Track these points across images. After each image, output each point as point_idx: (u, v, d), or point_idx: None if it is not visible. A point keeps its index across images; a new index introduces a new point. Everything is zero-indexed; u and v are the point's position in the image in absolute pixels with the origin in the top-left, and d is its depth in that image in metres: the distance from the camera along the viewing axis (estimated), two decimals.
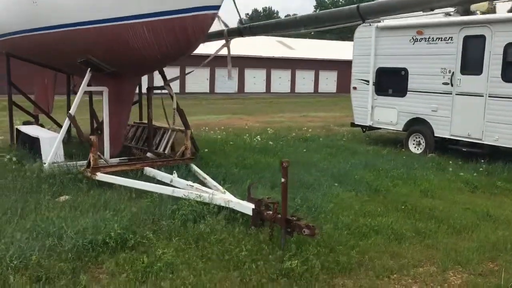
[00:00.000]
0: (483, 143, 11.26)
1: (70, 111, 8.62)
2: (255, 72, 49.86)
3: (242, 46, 49.12)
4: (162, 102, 9.70)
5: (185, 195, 6.86)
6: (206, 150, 10.90)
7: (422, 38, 12.43)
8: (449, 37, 11.78)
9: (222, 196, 6.64)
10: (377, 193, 8.34)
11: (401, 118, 13.11)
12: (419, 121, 12.66)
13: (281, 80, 51.45)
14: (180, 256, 5.17)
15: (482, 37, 11.09)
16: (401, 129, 13.25)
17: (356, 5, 6.77)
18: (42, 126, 11.46)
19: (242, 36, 8.95)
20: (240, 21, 8.95)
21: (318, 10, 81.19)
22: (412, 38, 12.63)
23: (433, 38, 12.17)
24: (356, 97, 14.37)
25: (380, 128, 14.13)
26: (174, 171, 7.99)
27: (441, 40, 12.00)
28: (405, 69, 12.89)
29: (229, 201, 6.47)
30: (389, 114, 13.40)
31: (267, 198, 6.08)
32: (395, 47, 13.14)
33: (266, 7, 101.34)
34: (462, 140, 11.71)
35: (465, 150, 11.60)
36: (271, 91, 49.82)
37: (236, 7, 8.87)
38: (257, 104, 32.81)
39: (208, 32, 9.34)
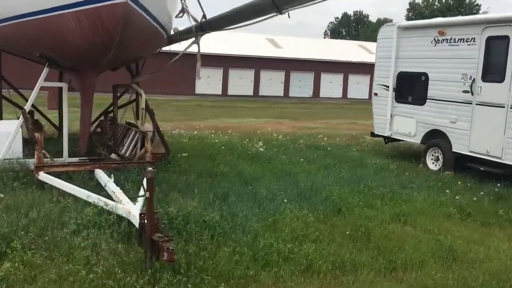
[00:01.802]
0: (503, 163, 9.59)
1: (25, 107, 8.43)
2: (331, 77, 48.64)
3: (317, 50, 48.34)
4: (131, 101, 9.27)
5: (95, 202, 6.33)
6: (185, 154, 10.30)
7: (443, 39, 10.93)
8: (471, 38, 10.22)
9: (125, 207, 6.01)
10: (336, 214, 7.27)
11: (420, 129, 11.64)
12: (438, 134, 11.14)
13: (358, 86, 49.62)
14: (14, 273, 4.62)
15: (506, 38, 9.46)
16: (419, 142, 11.77)
17: None
18: (36, 122, 11.52)
19: (206, 32, 8.25)
20: (204, 16, 8.26)
21: (410, 13, 77.56)
22: (434, 39, 11.15)
23: (455, 39, 10.64)
24: (377, 104, 13.05)
25: (399, 140, 12.66)
26: (112, 175, 7.50)
27: (463, 42, 10.45)
28: (425, 74, 11.43)
29: (129, 213, 5.83)
30: (407, 124, 11.97)
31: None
32: (416, 49, 11.71)
33: (357, 11, 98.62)
34: (481, 158, 10.08)
35: (482, 169, 9.97)
36: (348, 96, 48.14)
37: (198, 1, 8.24)
38: (322, 110, 31.65)
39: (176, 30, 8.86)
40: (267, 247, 5.65)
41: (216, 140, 12.93)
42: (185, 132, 14.55)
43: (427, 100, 11.39)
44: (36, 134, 7.77)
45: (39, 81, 8.34)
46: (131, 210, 5.87)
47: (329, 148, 12.94)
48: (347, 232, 6.46)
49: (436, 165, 11.19)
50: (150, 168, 4.80)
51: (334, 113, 28.41)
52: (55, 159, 8.44)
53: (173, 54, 9.56)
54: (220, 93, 44.41)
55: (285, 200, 7.45)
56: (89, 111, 8.76)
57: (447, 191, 8.78)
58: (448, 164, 10.80)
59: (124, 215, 5.87)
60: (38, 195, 7.02)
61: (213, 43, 43.99)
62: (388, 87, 12.46)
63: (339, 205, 7.60)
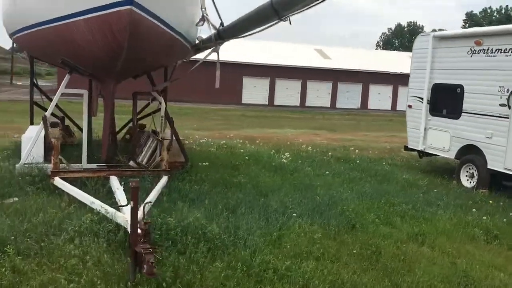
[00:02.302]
0: None
1: (46, 113, 8.58)
2: (380, 88, 47.62)
3: (366, 61, 47.48)
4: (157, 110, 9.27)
5: (97, 209, 6.31)
6: (206, 163, 10.20)
7: (480, 50, 10.34)
8: (510, 49, 9.60)
9: (124, 215, 5.93)
10: (348, 231, 6.91)
11: (454, 144, 11.03)
12: (473, 149, 10.51)
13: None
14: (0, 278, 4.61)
15: None
16: (453, 157, 11.15)
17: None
18: (67, 128, 11.78)
19: (224, 40, 8.13)
20: (221, 24, 8.15)
21: (467, 24, 75.00)
22: (470, 49, 10.57)
23: (492, 49, 10.04)
24: (411, 116, 12.51)
25: (433, 155, 12.03)
26: (123, 183, 7.47)
27: (500, 52, 9.84)
28: (461, 86, 10.84)
29: (127, 221, 5.74)
30: (441, 138, 11.38)
31: (144, 222, 5.21)
32: (452, 60, 11.15)
33: (410, 22, 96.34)
34: None
35: None
36: (397, 108, 46.81)
37: (216, 9, 8.14)
38: (368, 122, 30.95)
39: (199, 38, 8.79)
40: (264, 263, 5.41)
41: (242, 150, 12.77)
42: (214, 141, 14.46)
43: (462, 114, 10.79)
44: (53, 140, 7.87)
45: (60, 87, 8.48)
46: (129, 218, 5.78)
47: (358, 161, 12.48)
48: (355, 251, 6.11)
49: (470, 182, 10.56)
50: (135, 180, 4.69)
51: (378, 126, 27.66)
52: (74, 164, 8.53)
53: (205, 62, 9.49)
54: (267, 103, 44.26)
55: (294, 214, 7.16)
56: (109, 118, 8.81)
57: (474, 210, 8.21)
58: (482, 182, 10.16)
59: (122, 224, 5.80)
60: (48, 200, 7.08)
61: (260, 52, 44.36)
62: (422, 99, 11.91)
63: (354, 221, 7.25)
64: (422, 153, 12.31)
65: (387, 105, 47.64)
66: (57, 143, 7.82)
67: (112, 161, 9.08)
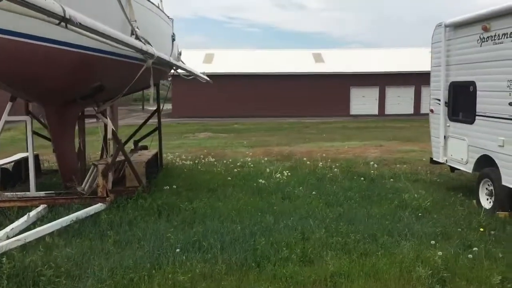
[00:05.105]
0: None
1: None
2: None
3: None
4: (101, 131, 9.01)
5: None
6: (174, 186, 9.57)
7: (488, 37, 8.31)
8: None
9: None
10: (247, 269, 5.81)
11: (471, 154, 8.97)
12: (489, 161, 8.42)
13: None
14: None
15: None
16: (470, 171, 9.07)
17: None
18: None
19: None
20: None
21: None
22: (479, 37, 8.56)
23: (498, 35, 8.00)
24: (433, 123, 10.55)
25: (456, 169, 9.88)
26: (28, 213, 7.24)
27: (506, 37, 7.78)
28: (473, 84, 8.81)
29: None
30: (459, 147, 9.36)
31: None
32: (464, 53, 9.16)
33: None
34: None
35: None
36: None
37: None
38: None
39: None
40: None
41: (237, 170, 11.91)
42: (230, 159, 13.78)
43: (476, 117, 8.75)
44: None
45: (3, 116, 8.59)
46: None
47: (372, 178, 10.85)
48: None
49: (490, 202, 8.47)
50: None
51: None
52: (21, 193, 8.56)
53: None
54: (377, 113, 41.91)
55: (177, 249, 6.22)
56: (66, 145, 8.72)
57: (433, 242, 6.43)
58: (500, 201, 8.07)
59: None
60: None
61: (368, 60, 42.41)
62: (440, 100, 9.98)
63: (261, 257, 6.09)
64: (450, 166, 10.26)
65: None
66: None
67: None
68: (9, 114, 8.51)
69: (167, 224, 7.38)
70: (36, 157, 11.15)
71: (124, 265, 5.76)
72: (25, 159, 9.60)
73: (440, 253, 6.02)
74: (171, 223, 7.45)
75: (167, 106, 48.86)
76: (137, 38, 8.00)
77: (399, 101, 42.86)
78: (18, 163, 10.08)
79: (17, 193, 8.51)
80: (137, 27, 8.06)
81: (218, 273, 5.68)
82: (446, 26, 9.61)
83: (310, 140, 21.00)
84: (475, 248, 6.19)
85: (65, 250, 6.17)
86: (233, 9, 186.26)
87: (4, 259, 5.50)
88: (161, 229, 7.07)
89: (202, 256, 6.12)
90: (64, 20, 4.37)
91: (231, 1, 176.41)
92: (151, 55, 8.05)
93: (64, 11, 4.32)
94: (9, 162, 10.00)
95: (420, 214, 8.00)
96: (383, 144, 18.96)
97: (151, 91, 10.23)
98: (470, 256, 6.03)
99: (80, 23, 4.67)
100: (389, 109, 42.23)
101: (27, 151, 9.22)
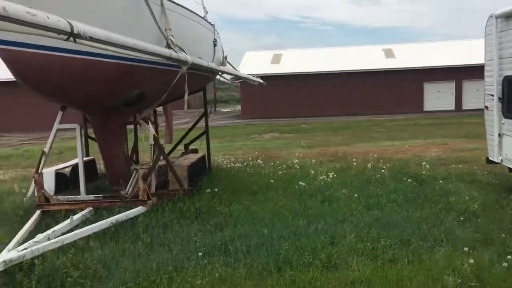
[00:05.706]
0: None
1: (44, 149, 9.22)
2: None
3: None
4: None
5: None
6: (216, 189, 9.67)
7: None
8: None
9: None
10: (268, 274, 5.80)
11: None
12: None
13: None
14: None
15: None
16: None
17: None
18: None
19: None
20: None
21: None
22: None
23: None
24: (488, 120, 9.90)
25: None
26: (71, 216, 7.64)
27: None
28: None
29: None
30: None
31: None
32: None
33: None
34: None
35: None
36: None
37: None
38: None
39: None
40: None
41: (283, 172, 11.82)
42: (280, 161, 13.69)
43: None
44: (35, 175, 8.51)
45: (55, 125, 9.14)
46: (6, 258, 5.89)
47: (423, 178, 10.37)
48: None
49: None
50: None
51: None
52: (72, 197, 9.07)
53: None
54: (453, 108, 39.96)
55: (200, 253, 6.29)
56: (115, 150, 9.16)
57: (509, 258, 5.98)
58: None
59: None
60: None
61: (441, 53, 40.56)
62: (494, 96, 9.36)
63: (284, 261, 6.05)
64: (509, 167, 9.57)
65: None
66: (39, 178, 8.42)
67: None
68: (60, 123, 9.05)
69: (200, 227, 7.52)
70: (93, 161, 11.79)
71: (148, 267, 5.95)
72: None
73: (471, 260, 5.66)
74: (204, 226, 7.57)
75: (237, 108, 49.85)
76: (167, 46, 8.24)
77: (478, 95, 40.50)
78: (74, 168, 10.68)
79: (68, 196, 9.03)
80: (172, 36, 8.29)
81: (238, 277, 5.71)
82: (497, 17, 9.00)
83: (372, 139, 20.43)
84: (508, 257, 5.75)
85: (97, 252, 6.46)
86: (307, 8, 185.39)
87: (36, 260, 5.87)
88: (192, 232, 7.22)
89: (225, 260, 6.18)
90: (73, 35, 4.60)
91: (305, 1, 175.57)
92: (185, 62, 8.23)
93: (71, 26, 4.55)
94: (65, 167, 10.62)
95: (462, 218, 7.55)
96: (448, 142, 18.05)
97: (197, 94, 10.46)
98: (505, 264, 5.61)
99: (90, 37, 4.88)
100: (467, 104, 40.00)
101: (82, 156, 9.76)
